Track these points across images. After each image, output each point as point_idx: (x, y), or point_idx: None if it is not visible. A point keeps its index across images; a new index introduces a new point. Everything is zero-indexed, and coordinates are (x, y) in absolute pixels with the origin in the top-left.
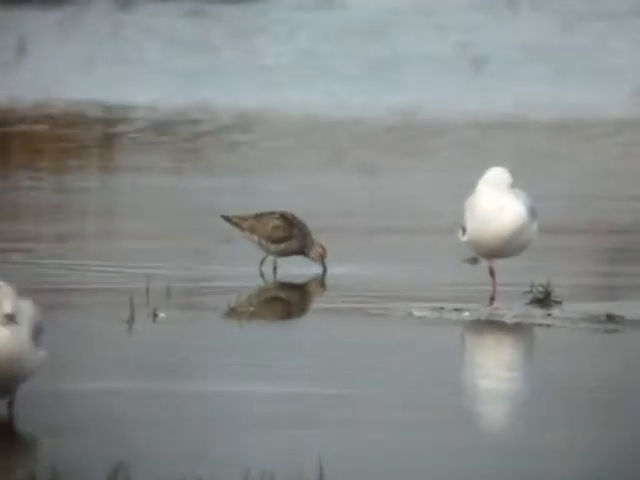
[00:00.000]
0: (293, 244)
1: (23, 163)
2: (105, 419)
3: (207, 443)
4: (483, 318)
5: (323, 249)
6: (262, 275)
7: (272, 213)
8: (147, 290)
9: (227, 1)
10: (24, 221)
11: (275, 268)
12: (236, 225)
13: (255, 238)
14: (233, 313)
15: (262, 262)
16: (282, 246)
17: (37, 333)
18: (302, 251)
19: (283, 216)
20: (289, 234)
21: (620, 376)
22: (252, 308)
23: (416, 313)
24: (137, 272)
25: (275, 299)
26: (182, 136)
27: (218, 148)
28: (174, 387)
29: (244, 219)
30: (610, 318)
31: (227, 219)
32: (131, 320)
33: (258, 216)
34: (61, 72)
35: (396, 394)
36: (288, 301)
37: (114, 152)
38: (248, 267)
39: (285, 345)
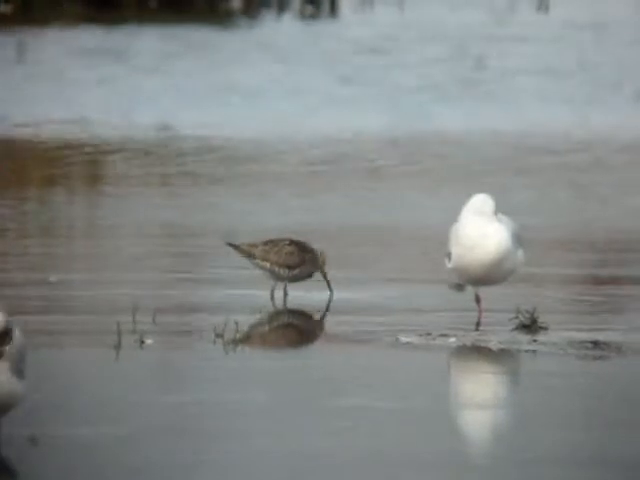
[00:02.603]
0: (306, 269)
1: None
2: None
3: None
4: (469, 344)
5: (324, 258)
6: (273, 303)
7: (281, 240)
8: (134, 316)
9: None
10: (6, 242)
11: (286, 294)
12: (247, 253)
13: (267, 265)
14: (220, 339)
15: (273, 290)
16: (296, 272)
17: (20, 361)
18: (313, 274)
19: (293, 242)
20: (303, 259)
21: (606, 402)
22: (238, 334)
23: (402, 339)
24: (123, 297)
25: (263, 324)
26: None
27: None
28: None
29: (254, 246)
30: (596, 344)
31: (234, 247)
32: (118, 347)
33: (268, 243)
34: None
35: (379, 422)
36: (274, 327)
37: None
38: (237, 291)
39: (267, 371)
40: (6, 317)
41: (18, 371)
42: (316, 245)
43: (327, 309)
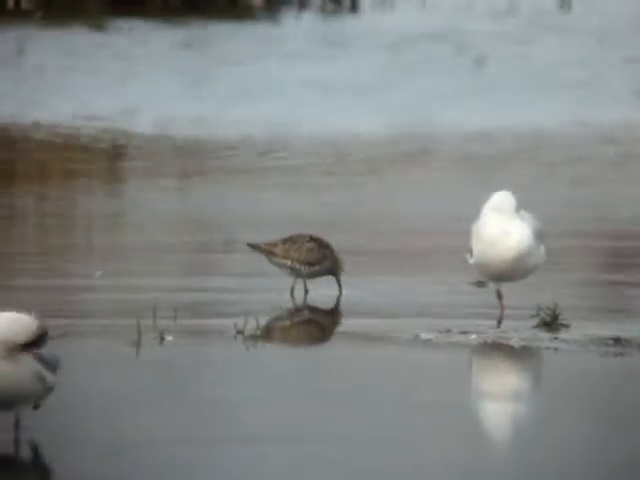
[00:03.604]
0: (327, 265)
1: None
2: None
3: None
4: (490, 341)
5: (344, 266)
6: (293, 301)
7: (302, 236)
8: (154, 312)
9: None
10: (24, 237)
11: (307, 291)
12: (267, 252)
13: (288, 263)
14: (241, 335)
15: (293, 287)
16: (316, 268)
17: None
18: (332, 271)
19: (313, 238)
20: (324, 255)
21: (627, 399)
22: (259, 331)
23: (422, 336)
24: (144, 294)
25: (282, 322)
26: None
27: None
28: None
29: (274, 245)
30: (618, 341)
31: (255, 247)
32: (138, 343)
33: (288, 240)
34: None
35: (399, 418)
36: (294, 324)
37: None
38: (257, 288)
39: (287, 368)
40: (40, 322)
41: (47, 364)
42: (334, 245)
43: (337, 305)
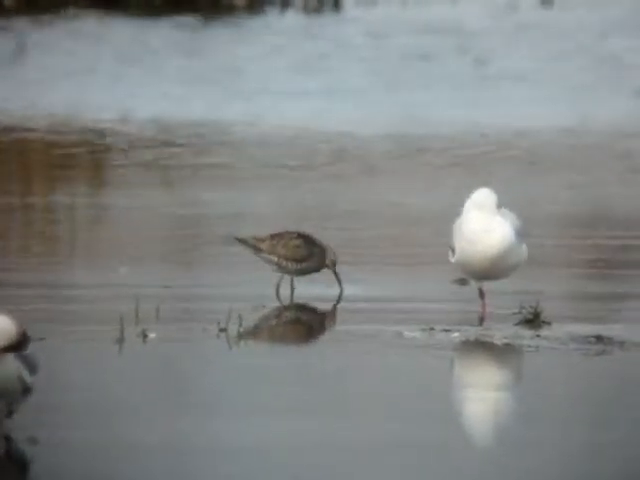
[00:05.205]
0: (314, 262)
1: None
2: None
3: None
4: (473, 339)
5: (335, 257)
6: (279, 297)
7: (290, 233)
8: (136, 310)
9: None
10: (9, 232)
11: (293, 288)
12: (254, 247)
13: (274, 259)
14: (223, 334)
15: (278, 285)
16: (303, 265)
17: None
18: (320, 269)
19: (301, 235)
20: (310, 252)
21: (608, 397)
22: (241, 329)
23: (406, 334)
24: (127, 292)
25: (268, 319)
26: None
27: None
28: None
29: (261, 240)
30: (599, 339)
31: (242, 241)
32: (121, 341)
33: (276, 236)
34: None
35: (383, 417)
36: (279, 322)
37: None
38: (241, 285)
39: (269, 367)
40: (20, 326)
41: (27, 364)
42: (326, 242)
43: (335, 303)
